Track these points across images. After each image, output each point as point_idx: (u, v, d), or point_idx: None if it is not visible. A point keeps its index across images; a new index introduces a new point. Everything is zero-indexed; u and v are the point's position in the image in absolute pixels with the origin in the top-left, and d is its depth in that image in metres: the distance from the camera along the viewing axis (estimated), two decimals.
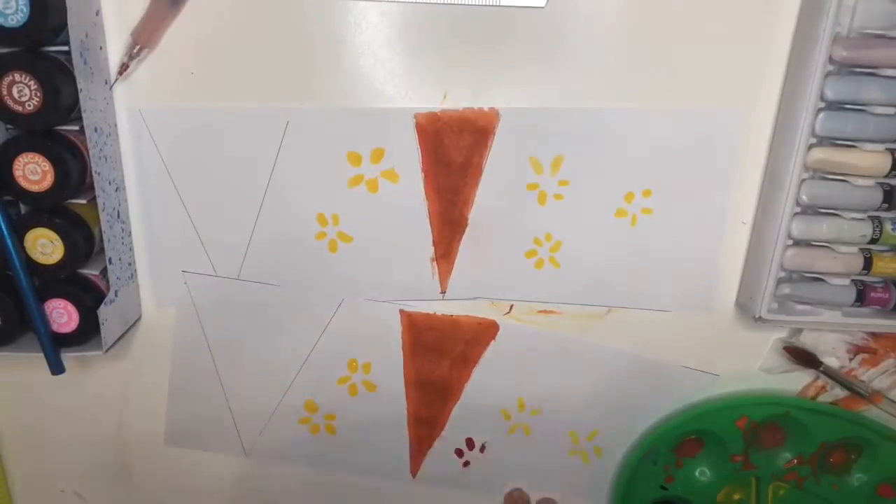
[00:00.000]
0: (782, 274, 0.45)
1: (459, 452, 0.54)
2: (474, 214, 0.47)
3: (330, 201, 0.46)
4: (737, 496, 0.54)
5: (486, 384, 0.51)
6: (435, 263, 0.48)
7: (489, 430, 0.53)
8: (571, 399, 0.52)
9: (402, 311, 0.49)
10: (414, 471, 0.55)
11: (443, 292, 0.49)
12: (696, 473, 0.54)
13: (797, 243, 0.45)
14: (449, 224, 0.47)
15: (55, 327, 0.44)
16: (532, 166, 0.46)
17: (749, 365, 0.50)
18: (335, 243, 0.47)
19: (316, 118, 0.44)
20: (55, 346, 0.44)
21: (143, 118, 0.44)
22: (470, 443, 0.54)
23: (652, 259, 0.48)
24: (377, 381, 0.51)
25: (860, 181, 0.43)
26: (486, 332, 0.50)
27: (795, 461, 0.53)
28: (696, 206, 0.46)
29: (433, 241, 0.47)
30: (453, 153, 0.45)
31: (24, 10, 0.37)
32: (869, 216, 0.44)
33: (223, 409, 0.52)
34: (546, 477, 0.55)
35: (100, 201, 0.42)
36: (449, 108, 0.44)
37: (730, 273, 0.48)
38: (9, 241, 0.41)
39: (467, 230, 0.47)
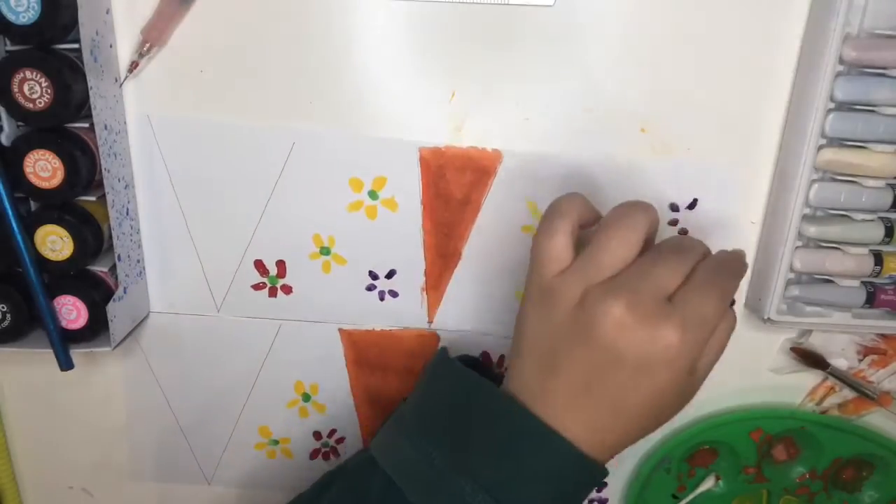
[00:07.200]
0: (791, 275, 0.45)
1: None
2: (468, 250, 0.47)
3: (328, 224, 0.47)
4: None
5: None
6: (425, 293, 0.48)
7: None
8: None
9: (340, 330, 0.49)
10: None
11: (430, 322, 0.49)
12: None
13: (807, 245, 0.45)
14: (442, 257, 0.47)
15: (64, 323, 0.44)
16: (529, 209, 0.46)
17: (757, 366, 0.50)
18: (329, 264, 0.48)
19: (322, 142, 0.44)
20: (64, 342, 0.44)
21: (150, 122, 0.44)
22: None
23: None
24: (326, 401, 0.52)
25: (870, 182, 0.43)
26: (426, 343, 0.50)
27: (808, 476, 0.53)
28: None
29: (425, 272, 0.48)
30: (454, 189, 0.46)
31: (36, 7, 0.37)
32: (879, 217, 0.44)
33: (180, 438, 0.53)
34: None
35: (109, 198, 0.42)
36: (454, 145, 0.44)
37: None
38: (19, 238, 0.41)
39: (460, 264, 0.48)
